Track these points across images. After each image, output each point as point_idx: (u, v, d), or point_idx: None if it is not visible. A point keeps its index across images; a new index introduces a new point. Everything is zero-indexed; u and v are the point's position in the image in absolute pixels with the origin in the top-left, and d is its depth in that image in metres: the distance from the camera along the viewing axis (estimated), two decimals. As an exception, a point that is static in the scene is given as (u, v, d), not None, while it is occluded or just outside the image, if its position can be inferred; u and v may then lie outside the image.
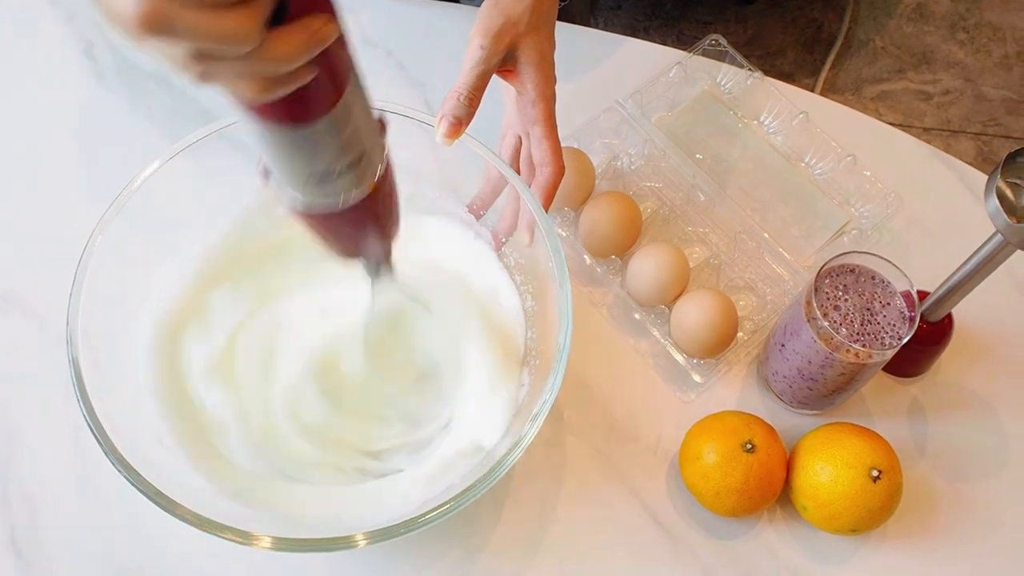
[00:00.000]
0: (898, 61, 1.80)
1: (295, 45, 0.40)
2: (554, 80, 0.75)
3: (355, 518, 0.67)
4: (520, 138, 0.79)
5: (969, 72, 1.81)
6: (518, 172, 0.78)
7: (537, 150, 0.74)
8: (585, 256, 0.84)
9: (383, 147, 0.53)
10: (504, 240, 0.78)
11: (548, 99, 0.74)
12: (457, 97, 0.71)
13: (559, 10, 0.97)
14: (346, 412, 0.73)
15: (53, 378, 0.77)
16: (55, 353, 0.77)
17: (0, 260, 0.84)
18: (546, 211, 0.73)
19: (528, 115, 0.74)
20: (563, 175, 0.75)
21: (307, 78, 0.42)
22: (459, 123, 0.71)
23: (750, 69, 0.93)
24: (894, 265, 0.72)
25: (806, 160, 0.91)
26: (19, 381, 0.79)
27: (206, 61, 0.39)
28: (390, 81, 0.95)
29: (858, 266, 0.73)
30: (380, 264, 0.62)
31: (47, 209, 0.87)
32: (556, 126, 0.75)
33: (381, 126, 0.52)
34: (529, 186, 0.75)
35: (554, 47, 0.76)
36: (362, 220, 0.55)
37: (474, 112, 0.72)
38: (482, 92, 0.72)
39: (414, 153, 0.75)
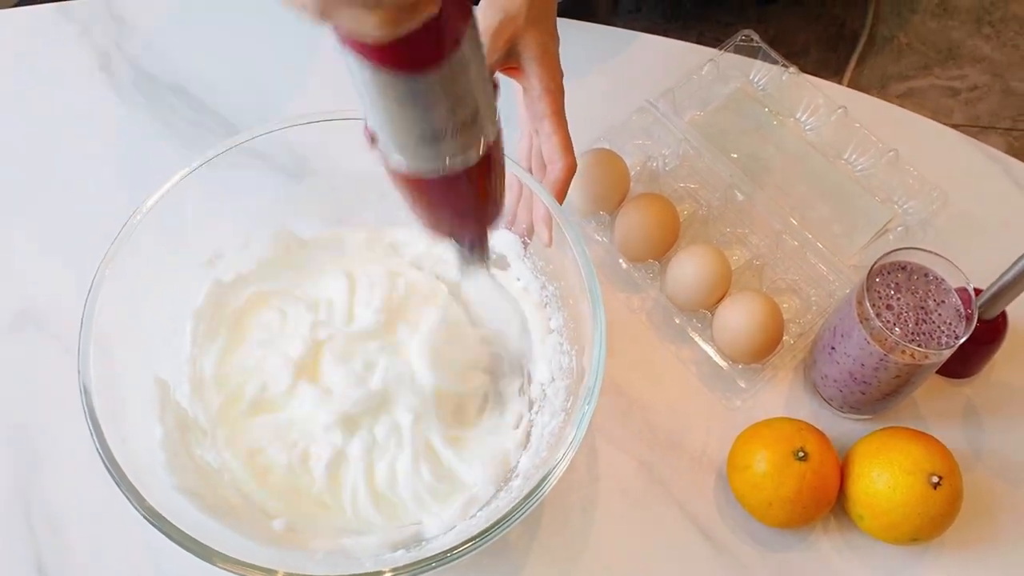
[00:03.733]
0: (923, 57, 1.77)
1: None
2: (560, 73, 0.72)
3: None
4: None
5: (996, 67, 1.78)
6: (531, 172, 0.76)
7: (546, 145, 0.71)
8: (621, 261, 0.81)
9: (495, 110, 0.49)
10: (527, 242, 0.75)
11: (554, 92, 0.71)
12: None
13: (579, 9, 0.95)
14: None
15: (71, 397, 0.75)
16: (72, 371, 0.74)
17: (18, 279, 0.82)
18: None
19: (535, 111, 0.71)
20: (574, 171, 0.71)
21: (433, 8, 0.39)
22: None
23: (784, 65, 0.91)
24: (948, 261, 0.69)
25: (846, 156, 0.88)
26: (37, 400, 0.77)
27: None
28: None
29: (910, 263, 0.70)
30: (473, 248, 0.59)
31: (64, 227, 0.85)
32: (565, 120, 0.72)
33: (494, 87, 0.49)
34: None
35: (557, 40, 0.73)
36: (465, 191, 0.51)
37: None
38: None
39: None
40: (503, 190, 0.55)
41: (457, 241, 0.58)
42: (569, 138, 0.71)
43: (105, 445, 0.60)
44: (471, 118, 0.47)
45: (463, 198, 0.52)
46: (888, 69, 1.76)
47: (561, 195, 0.71)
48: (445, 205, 0.53)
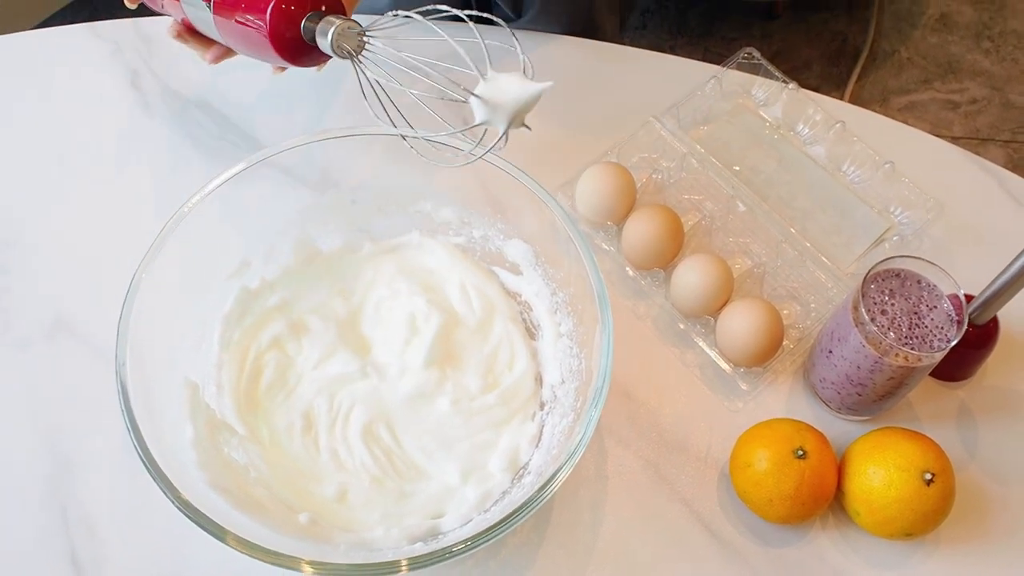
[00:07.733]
0: (924, 71, 1.81)
1: None
2: None
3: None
4: None
5: (995, 80, 1.81)
6: None
7: None
8: (628, 269, 0.85)
9: None
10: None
11: None
12: None
13: (587, 29, 0.98)
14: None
15: (104, 401, 0.78)
16: (104, 376, 0.78)
17: (52, 288, 0.86)
18: None
19: None
20: None
21: None
22: None
23: (784, 81, 0.94)
24: (940, 268, 0.72)
25: (844, 168, 0.91)
26: (71, 405, 0.80)
27: None
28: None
29: (904, 270, 0.74)
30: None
31: (96, 237, 0.88)
32: None
33: None
34: None
35: None
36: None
37: None
38: None
39: (458, 176, 0.77)
40: None
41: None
42: None
43: (143, 444, 0.63)
44: None
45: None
46: (889, 83, 1.79)
47: None
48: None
